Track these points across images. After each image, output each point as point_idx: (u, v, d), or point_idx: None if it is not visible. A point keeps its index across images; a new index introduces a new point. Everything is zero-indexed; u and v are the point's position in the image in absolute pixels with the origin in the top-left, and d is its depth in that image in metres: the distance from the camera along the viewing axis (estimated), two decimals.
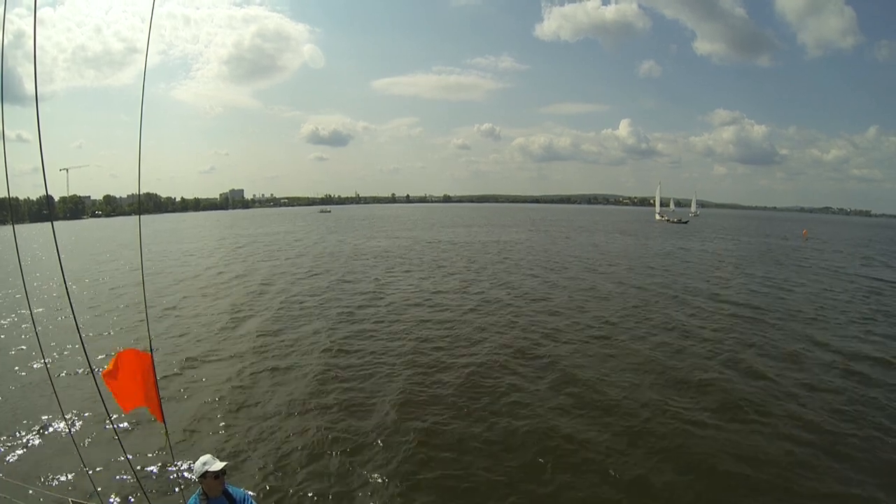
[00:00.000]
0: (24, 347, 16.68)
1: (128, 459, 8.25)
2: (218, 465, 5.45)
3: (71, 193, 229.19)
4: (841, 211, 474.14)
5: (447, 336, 17.54)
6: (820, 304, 23.36)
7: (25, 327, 18.94)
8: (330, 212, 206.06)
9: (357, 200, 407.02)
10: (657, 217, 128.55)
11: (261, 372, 14.22)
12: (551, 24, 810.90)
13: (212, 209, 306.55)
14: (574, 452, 9.76)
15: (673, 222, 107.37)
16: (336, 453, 9.70)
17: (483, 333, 17.88)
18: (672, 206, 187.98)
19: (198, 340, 17.57)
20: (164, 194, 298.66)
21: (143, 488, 7.93)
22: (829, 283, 29.83)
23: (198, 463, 5.47)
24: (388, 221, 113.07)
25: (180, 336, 18.13)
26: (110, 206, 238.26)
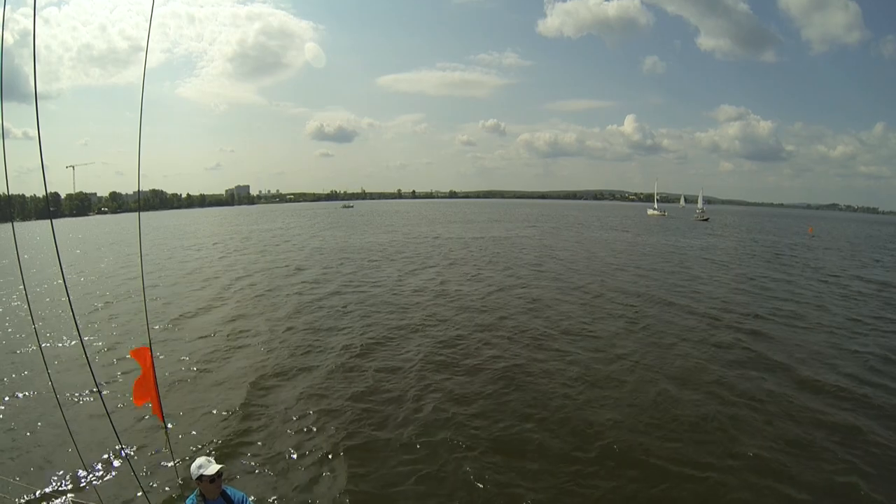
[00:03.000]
0: (22, 346, 16.61)
1: (128, 459, 8.19)
2: (213, 469, 5.36)
3: (77, 190, 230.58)
4: (848, 208, 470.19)
5: (452, 337, 17.47)
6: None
7: (25, 326, 18.81)
8: (353, 206, 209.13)
9: (363, 196, 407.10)
10: (649, 212, 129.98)
11: (263, 372, 14.10)
12: (554, 20, 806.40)
13: (217, 205, 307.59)
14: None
15: (699, 220, 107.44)
16: (340, 456, 9.59)
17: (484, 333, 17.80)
18: (683, 202, 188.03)
19: (199, 339, 17.48)
20: (169, 191, 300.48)
21: (143, 488, 7.85)
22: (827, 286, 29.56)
23: (193, 466, 5.38)
24: (399, 217, 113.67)
25: (181, 334, 18.06)
26: (116, 203, 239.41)
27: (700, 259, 39.53)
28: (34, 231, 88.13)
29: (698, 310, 20.93)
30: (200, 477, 5.34)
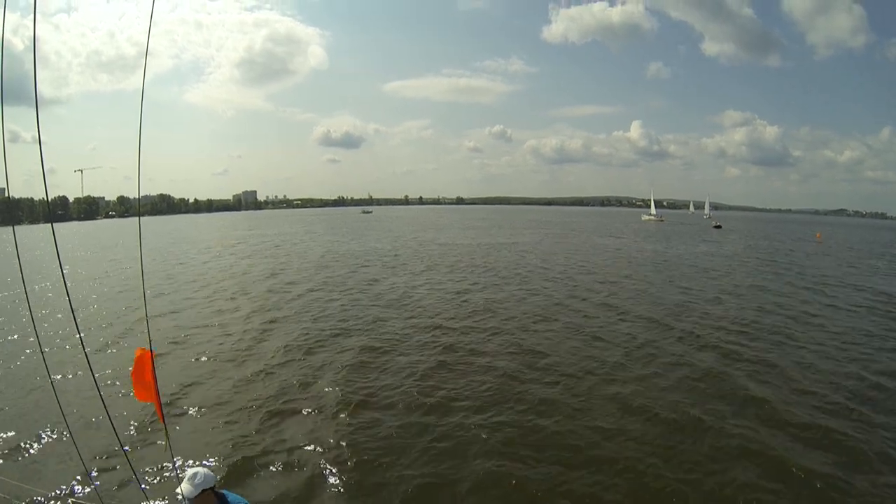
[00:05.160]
0: (23, 347, 16.64)
1: (128, 459, 8.18)
2: (188, 490, 5.03)
3: (85, 194, 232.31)
4: (856, 213, 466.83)
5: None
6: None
7: (25, 328, 18.80)
8: (372, 212, 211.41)
9: (370, 202, 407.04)
10: (644, 218, 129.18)
11: (265, 372, 14.12)
12: (559, 26, 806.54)
13: (225, 210, 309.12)
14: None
15: (716, 227, 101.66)
16: (340, 459, 9.57)
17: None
18: (692, 208, 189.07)
19: (199, 340, 17.55)
20: (177, 195, 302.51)
21: (143, 488, 7.86)
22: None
23: (184, 485, 4.95)
24: (418, 223, 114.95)
25: (181, 335, 18.09)
26: (124, 207, 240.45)
27: (703, 270, 39.29)
28: (45, 234, 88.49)
29: (692, 324, 20.54)
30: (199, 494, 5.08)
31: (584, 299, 24.08)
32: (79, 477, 8.68)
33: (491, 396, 12.36)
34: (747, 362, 14.87)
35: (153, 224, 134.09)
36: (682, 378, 13.58)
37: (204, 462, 9.23)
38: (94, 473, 8.71)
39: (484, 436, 10.32)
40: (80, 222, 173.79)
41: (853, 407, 11.71)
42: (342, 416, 11.27)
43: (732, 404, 11.88)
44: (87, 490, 8.28)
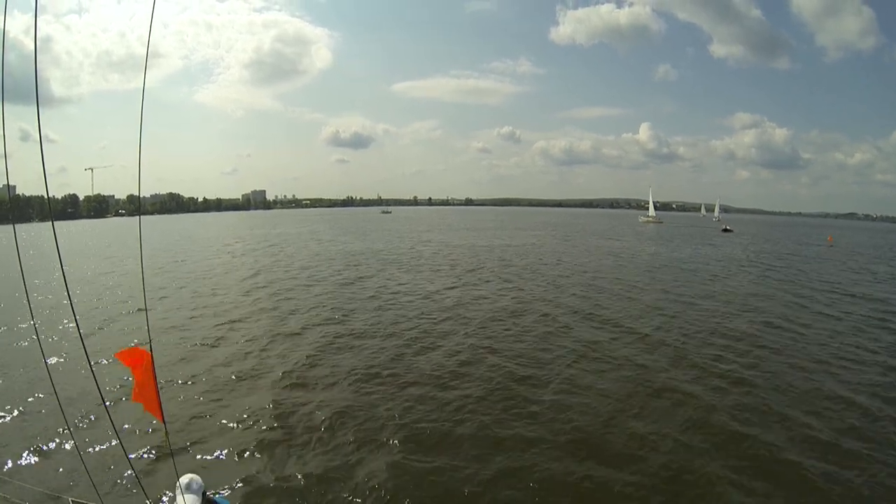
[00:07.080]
0: (23, 346, 16.71)
1: (128, 459, 8.16)
2: (198, 492, 4.93)
3: (95, 192, 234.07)
4: (867, 217, 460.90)
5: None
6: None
7: (25, 326, 18.87)
8: (391, 212, 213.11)
9: (379, 202, 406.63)
10: (641, 219, 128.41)
11: (264, 372, 14.16)
12: (566, 27, 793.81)
13: (234, 210, 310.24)
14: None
15: (725, 231, 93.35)
16: (338, 459, 9.55)
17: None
18: (703, 211, 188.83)
19: (199, 340, 17.56)
20: (186, 194, 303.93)
21: (143, 488, 7.82)
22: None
23: (186, 498, 4.85)
24: (435, 222, 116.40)
25: (181, 335, 18.13)
26: (133, 206, 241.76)
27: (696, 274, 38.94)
28: (60, 232, 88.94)
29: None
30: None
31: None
32: (79, 476, 8.66)
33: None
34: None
35: (161, 223, 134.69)
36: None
37: (204, 461, 9.24)
38: (93, 473, 8.67)
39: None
40: (90, 220, 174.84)
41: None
42: (344, 421, 11.24)
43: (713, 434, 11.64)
44: (87, 490, 8.24)
